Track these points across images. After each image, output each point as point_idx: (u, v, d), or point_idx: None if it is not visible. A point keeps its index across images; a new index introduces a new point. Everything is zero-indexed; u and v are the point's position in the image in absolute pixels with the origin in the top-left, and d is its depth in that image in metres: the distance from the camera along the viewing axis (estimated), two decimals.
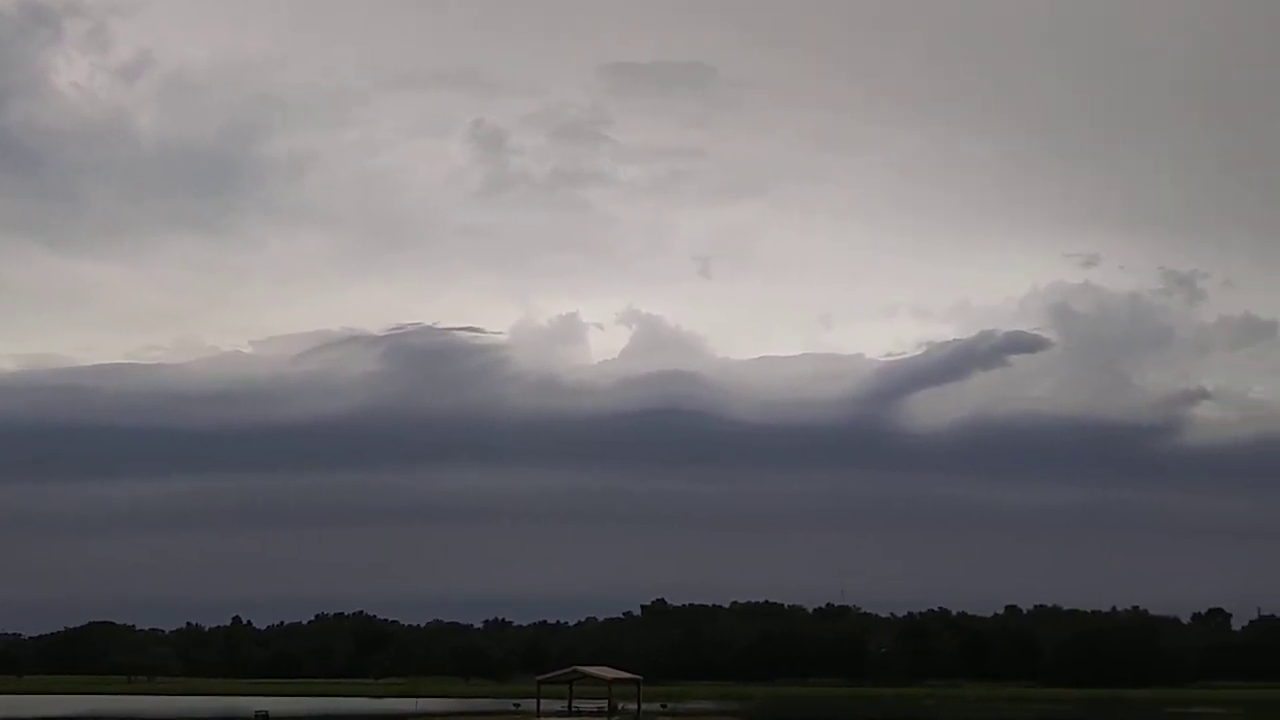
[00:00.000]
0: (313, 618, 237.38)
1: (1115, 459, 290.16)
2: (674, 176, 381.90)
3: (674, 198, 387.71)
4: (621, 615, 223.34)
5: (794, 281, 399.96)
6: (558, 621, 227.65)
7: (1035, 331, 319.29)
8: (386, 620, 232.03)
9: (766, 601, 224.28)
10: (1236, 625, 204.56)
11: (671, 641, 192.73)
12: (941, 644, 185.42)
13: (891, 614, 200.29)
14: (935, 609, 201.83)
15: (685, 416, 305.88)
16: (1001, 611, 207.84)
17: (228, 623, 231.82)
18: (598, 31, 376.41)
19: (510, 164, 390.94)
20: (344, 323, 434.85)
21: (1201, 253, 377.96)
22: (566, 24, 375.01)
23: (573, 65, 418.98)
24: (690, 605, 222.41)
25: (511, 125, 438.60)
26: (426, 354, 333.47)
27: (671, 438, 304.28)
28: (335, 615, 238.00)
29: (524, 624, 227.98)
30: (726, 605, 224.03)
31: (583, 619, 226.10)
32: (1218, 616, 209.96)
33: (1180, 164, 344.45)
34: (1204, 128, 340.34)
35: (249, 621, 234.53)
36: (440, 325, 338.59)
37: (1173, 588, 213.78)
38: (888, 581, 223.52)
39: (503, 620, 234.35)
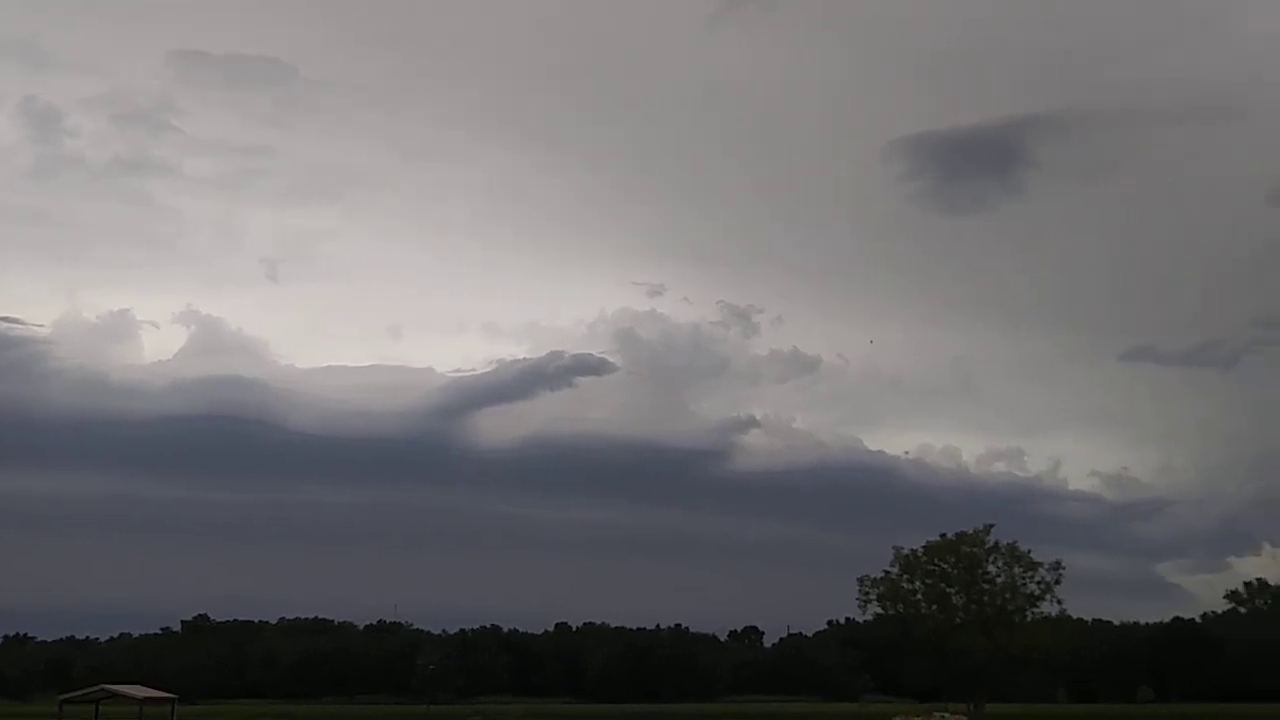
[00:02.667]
0: None
1: (670, 482, 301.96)
2: (245, 174, 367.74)
3: (244, 196, 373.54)
4: (159, 631, 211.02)
5: (365, 291, 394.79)
6: (87, 637, 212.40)
7: (602, 355, 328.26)
8: None
9: (316, 618, 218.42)
10: (768, 643, 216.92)
11: (214, 659, 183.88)
12: (492, 661, 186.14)
13: (444, 631, 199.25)
14: (488, 626, 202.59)
15: (243, 424, 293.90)
16: (552, 629, 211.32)
17: None
18: (171, 15, 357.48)
19: (65, 146, 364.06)
20: None
21: (758, 290, 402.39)
22: (138, 3, 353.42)
23: (141, 48, 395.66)
24: (235, 621, 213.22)
25: (69, 105, 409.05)
26: None
27: (227, 445, 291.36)
28: None
29: (48, 640, 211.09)
30: (274, 621, 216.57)
31: (115, 634, 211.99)
32: (752, 634, 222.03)
33: (743, 206, 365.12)
34: (767, 175, 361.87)
35: None
36: None
37: (714, 606, 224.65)
38: (442, 598, 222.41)
39: (23, 635, 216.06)
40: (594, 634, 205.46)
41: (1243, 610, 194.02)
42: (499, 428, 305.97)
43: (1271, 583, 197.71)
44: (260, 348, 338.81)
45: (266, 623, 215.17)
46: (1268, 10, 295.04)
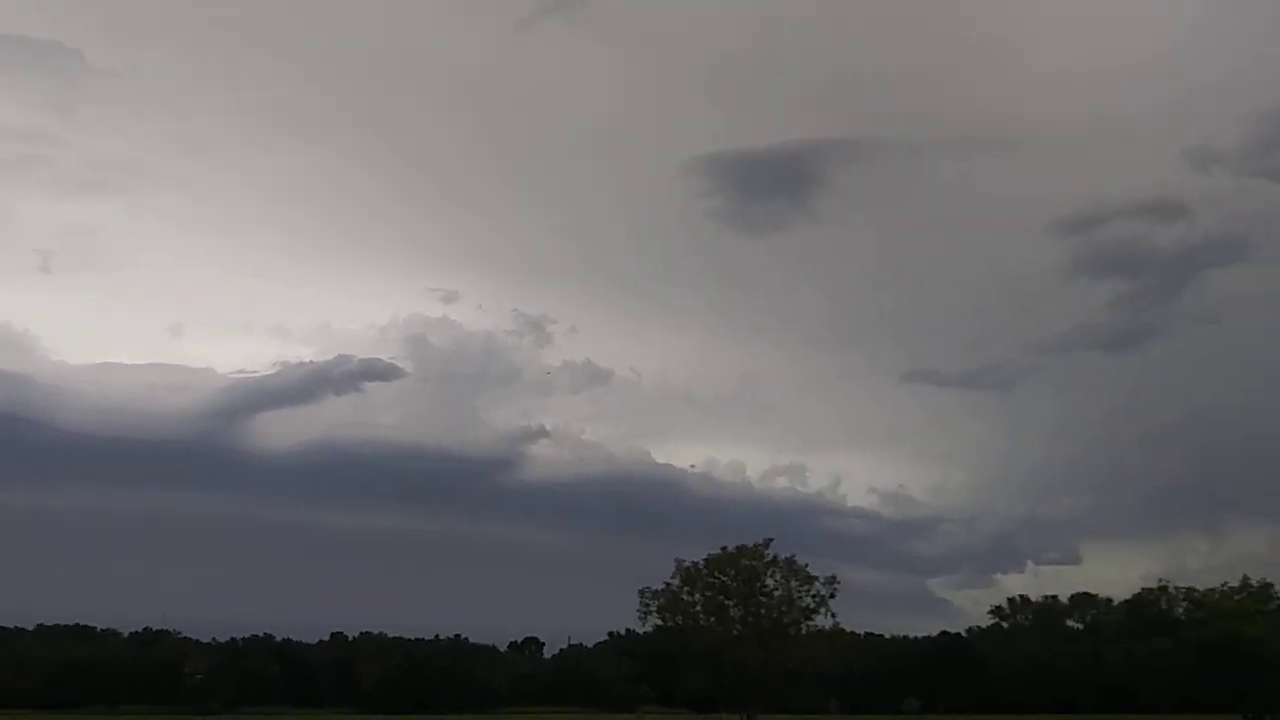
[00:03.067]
0: None
1: (457, 490, 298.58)
2: (21, 161, 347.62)
3: (18, 184, 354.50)
4: None
5: (146, 286, 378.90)
6: None
7: (392, 360, 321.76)
8: None
9: (77, 625, 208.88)
10: (549, 654, 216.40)
11: None
12: (263, 670, 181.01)
13: (214, 639, 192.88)
14: (260, 634, 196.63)
15: (8, 422, 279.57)
16: (327, 639, 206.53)
17: None
18: None
19: None
20: None
21: (553, 300, 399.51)
22: None
23: None
24: None
25: None
26: None
27: None
28: None
29: None
30: (30, 628, 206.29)
31: None
32: (532, 645, 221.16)
33: (543, 215, 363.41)
34: (569, 185, 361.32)
35: None
36: None
37: (495, 617, 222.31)
38: (213, 605, 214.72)
39: None
40: (370, 644, 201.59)
41: (1006, 625, 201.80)
42: (281, 432, 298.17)
43: (1033, 599, 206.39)
44: (30, 342, 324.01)
45: (22, 629, 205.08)
46: (1049, 47, 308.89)
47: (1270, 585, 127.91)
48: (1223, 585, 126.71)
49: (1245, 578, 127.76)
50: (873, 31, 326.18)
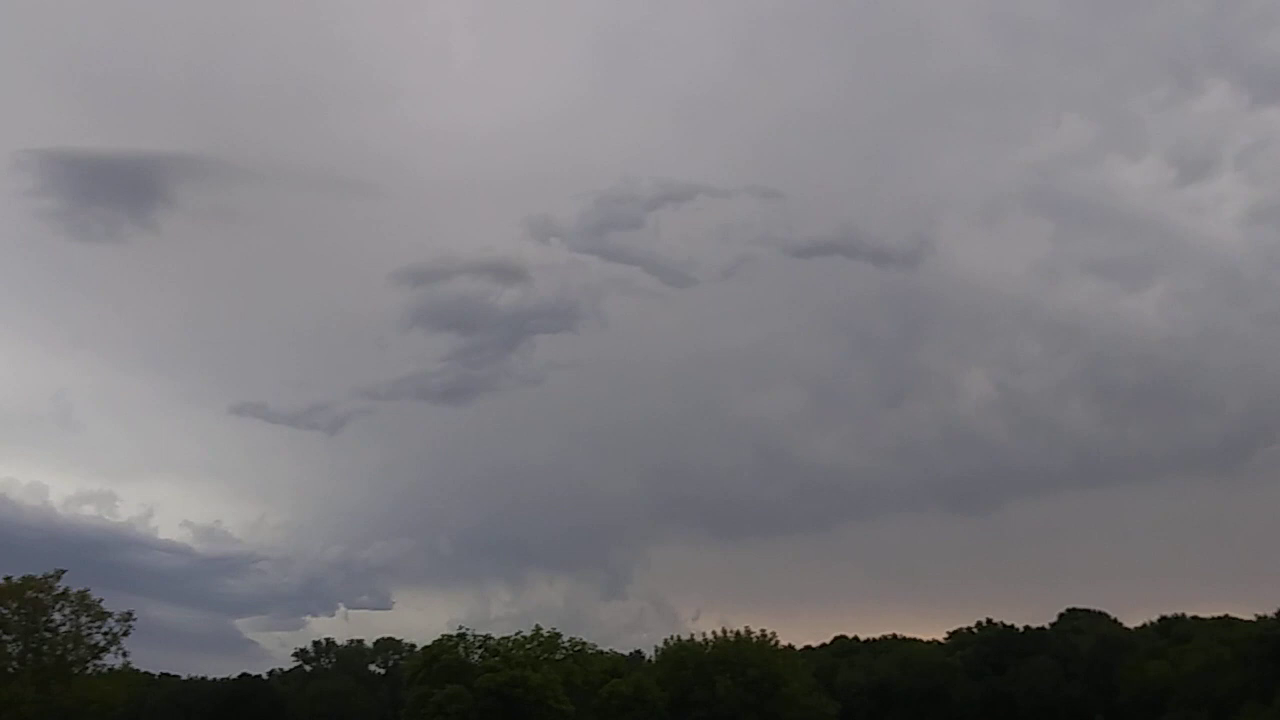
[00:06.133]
0: None
1: None
2: None
3: None
4: None
5: None
6: None
7: None
8: None
9: None
10: None
11: None
12: None
13: None
14: None
15: None
16: None
17: None
18: None
19: None
20: None
21: None
22: None
23: None
24: None
25: None
26: None
27: None
28: None
29: None
30: None
31: None
32: None
33: None
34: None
35: None
36: None
37: None
38: None
39: None
40: None
41: (309, 668, 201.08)
42: None
43: (340, 643, 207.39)
44: None
45: None
46: (420, 102, 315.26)
47: (559, 635, 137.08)
48: (517, 634, 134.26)
49: (537, 627, 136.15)
50: (243, 52, 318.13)
